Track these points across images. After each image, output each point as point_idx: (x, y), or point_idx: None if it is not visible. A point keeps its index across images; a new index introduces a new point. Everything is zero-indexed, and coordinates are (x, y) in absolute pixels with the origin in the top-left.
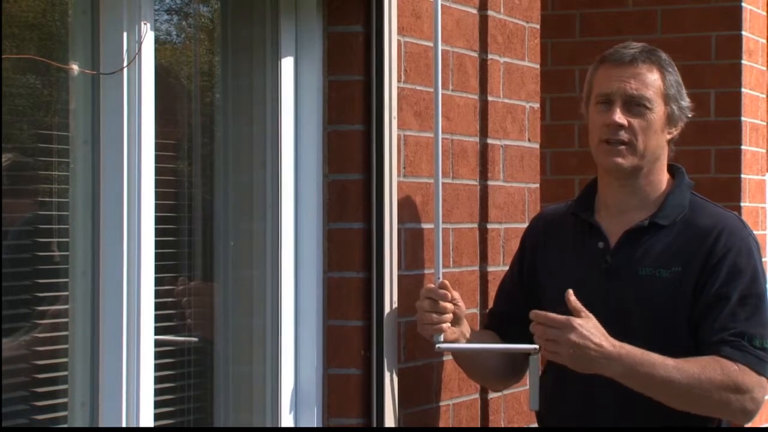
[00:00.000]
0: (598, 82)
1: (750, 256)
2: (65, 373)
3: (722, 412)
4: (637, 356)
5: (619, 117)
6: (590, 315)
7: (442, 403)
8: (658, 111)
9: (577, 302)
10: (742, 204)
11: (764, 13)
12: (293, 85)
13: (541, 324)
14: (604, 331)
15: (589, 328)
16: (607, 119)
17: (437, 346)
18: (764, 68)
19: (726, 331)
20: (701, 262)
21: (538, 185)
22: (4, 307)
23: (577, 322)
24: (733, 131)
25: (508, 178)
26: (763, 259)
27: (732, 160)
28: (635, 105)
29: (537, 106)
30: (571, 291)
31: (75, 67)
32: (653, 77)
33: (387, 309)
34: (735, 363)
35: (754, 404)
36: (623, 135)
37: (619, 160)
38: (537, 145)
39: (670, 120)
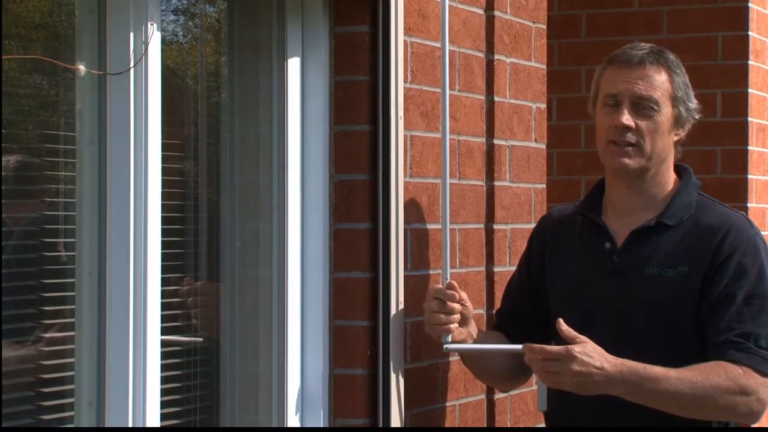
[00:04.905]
0: (606, 82)
1: (756, 256)
2: (72, 373)
3: (729, 416)
4: (639, 372)
5: (627, 119)
6: (585, 339)
7: (448, 404)
8: (665, 113)
9: (570, 330)
10: (748, 204)
11: None
12: (299, 85)
13: (538, 358)
14: (602, 352)
15: (589, 352)
16: (615, 120)
17: (445, 346)
18: None
19: (731, 331)
20: (707, 261)
21: (544, 186)
22: (11, 307)
23: (575, 350)
24: (740, 132)
25: (515, 179)
26: None
27: (738, 161)
28: (642, 107)
29: (543, 106)
30: (561, 320)
31: (81, 68)
32: (661, 79)
33: (393, 309)
34: (739, 366)
35: (760, 405)
36: (630, 137)
37: (626, 161)
38: (543, 146)
39: (677, 122)
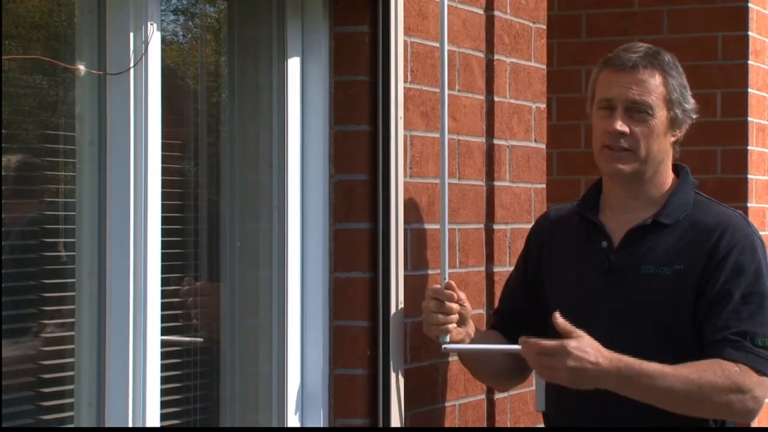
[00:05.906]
0: (601, 86)
1: (753, 254)
2: (72, 373)
3: (725, 414)
4: (635, 368)
5: (620, 125)
6: (581, 333)
7: (448, 404)
8: (660, 116)
9: (566, 323)
10: (748, 204)
11: None
12: (300, 85)
13: (534, 353)
14: (598, 346)
15: (584, 347)
16: (609, 126)
17: (443, 346)
18: None
19: (728, 329)
20: (704, 260)
21: (544, 185)
22: (11, 307)
23: (571, 345)
24: (740, 132)
25: (515, 179)
26: None
27: (738, 161)
28: (637, 111)
29: (543, 106)
30: (557, 314)
31: (81, 68)
32: (655, 83)
33: (393, 309)
34: (736, 364)
35: (755, 403)
36: (624, 142)
37: (621, 165)
38: (543, 146)
39: (673, 123)
